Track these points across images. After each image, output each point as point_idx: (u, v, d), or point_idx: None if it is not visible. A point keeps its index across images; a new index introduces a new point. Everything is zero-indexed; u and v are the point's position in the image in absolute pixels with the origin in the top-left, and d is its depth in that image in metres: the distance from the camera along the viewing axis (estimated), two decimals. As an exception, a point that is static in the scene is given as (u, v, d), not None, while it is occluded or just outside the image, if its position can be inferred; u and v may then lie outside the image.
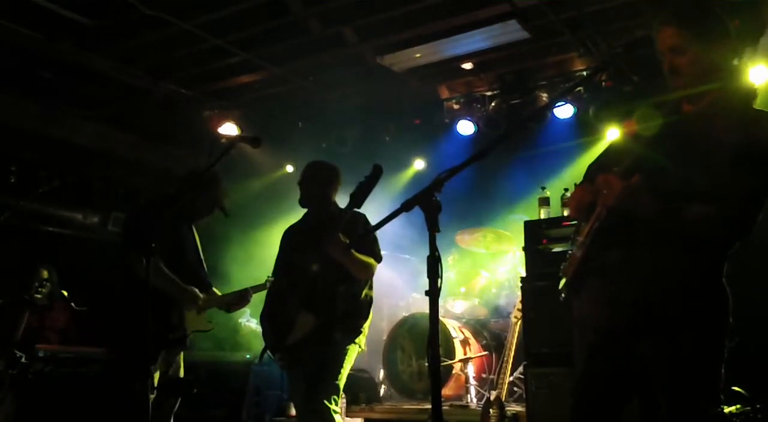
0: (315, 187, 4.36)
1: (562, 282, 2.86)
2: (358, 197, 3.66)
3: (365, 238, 4.08)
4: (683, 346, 2.46)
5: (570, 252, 2.87)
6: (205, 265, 4.54)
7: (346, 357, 4.13)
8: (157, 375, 4.13)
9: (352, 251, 3.98)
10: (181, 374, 4.36)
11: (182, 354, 4.38)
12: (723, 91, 2.57)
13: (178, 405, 4.27)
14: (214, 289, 4.56)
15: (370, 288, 4.29)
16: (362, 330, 4.20)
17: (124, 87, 7.30)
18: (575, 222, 2.96)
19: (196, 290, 4.34)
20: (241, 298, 4.63)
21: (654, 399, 2.53)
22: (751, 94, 2.61)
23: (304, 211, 4.46)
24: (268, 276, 4.77)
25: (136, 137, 8.07)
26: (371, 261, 4.14)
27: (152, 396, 3.89)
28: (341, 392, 4.20)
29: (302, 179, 4.41)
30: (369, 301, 4.28)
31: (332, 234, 3.92)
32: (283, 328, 4.10)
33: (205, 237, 4.70)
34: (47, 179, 7.46)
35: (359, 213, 4.21)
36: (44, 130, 7.32)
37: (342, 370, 4.10)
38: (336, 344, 4.08)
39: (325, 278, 4.05)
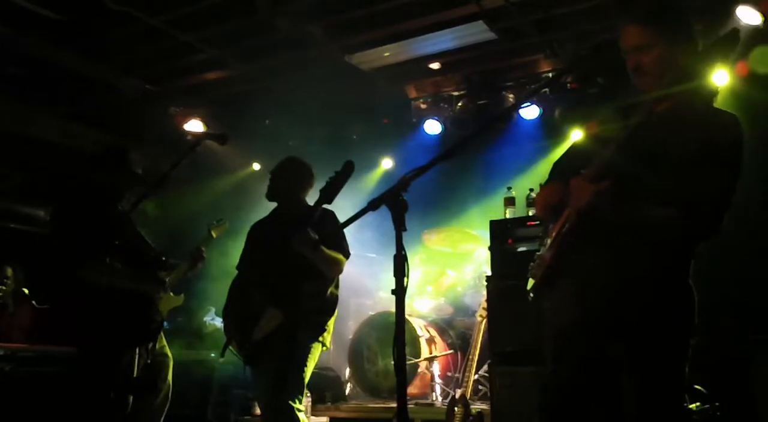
0: (285, 182, 4.35)
1: (531, 283, 2.88)
2: (329, 193, 3.65)
3: (334, 234, 4.09)
4: (650, 347, 2.50)
5: (538, 253, 2.90)
6: (149, 241, 4.44)
7: (310, 355, 4.13)
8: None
9: (322, 247, 3.99)
10: (170, 364, 4.30)
11: (165, 343, 4.33)
12: (687, 92, 2.60)
13: (168, 404, 4.23)
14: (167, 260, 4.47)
15: (336, 286, 4.30)
16: (327, 327, 4.20)
17: (90, 82, 7.21)
18: (540, 222, 2.99)
19: (156, 278, 4.24)
20: (195, 259, 4.56)
21: (620, 399, 2.57)
22: (712, 93, 2.63)
23: (272, 207, 4.43)
24: (209, 224, 4.73)
25: (101, 133, 7.95)
26: (340, 257, 4.15)
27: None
28: (306, 391, 4.19)
29: (274, 172, 4.39)
30: (334, 299, 4.29)
31: (302, 231, 3.92)
32: (248, 323, 4.09)
33: (175, 234, 4.62)
34: (8, 176, 7.34)
35: (327, 210, 4.21)
36: (8, 126, 7.19)
37: (306, 369, 4.10)
38: (300, 342, 4.08)
39: (292, 275, 4.05)
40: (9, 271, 6.26)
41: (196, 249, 4.57)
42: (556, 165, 2.99)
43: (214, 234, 4.76)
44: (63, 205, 4.28)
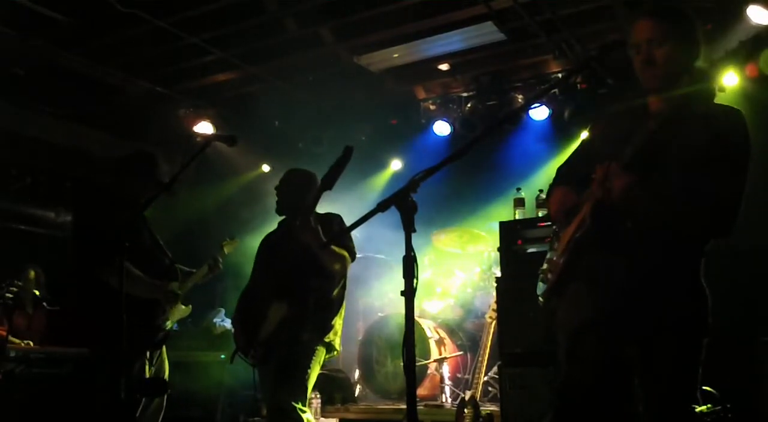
0: (290, 194, 4.35)
1: (541, 287, 2.88)
2: (329, 178, 3.66)
3: (340, 235, 4.10)
4: (664, 348, 2.50)
5: (549, 258, 2.89)
6: (167, 250, 4.45)
7: (315, 357, 4.10)
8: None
9: (323, 236, 3.98)
10: (166, 368, 4.31)
11: (165, 349, 4.33)
12: (693, 92, 2.61)
13: (164, 406, 4.23)
14: (179, 266, 4.49)
15: (343, 287, 4.29)
16: (333, 326, 4.18)
17: (97, 85, 7.23)
18: (550, 223, 2.98)
19: (171, 285, 4.27)
20: (212, 269, 4.59)
21: (633, 400, 2.56)
22: (711, 93, 2.67)
23: (279, 211, 4.43)
24: (222, 240, 4.80)
25: (109, 135, 7.99)
26: (344, 253, 4.14)
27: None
28: (312, 391, 4.18)
29: (279, 186, 4.39)
30: (340, 300, 4.27)
31: (304, 217, 3.92)
32: (256, 323, 4.11)
33: (183, 235, 4.61)
34: (19, 177, 7.38)
35: (334, 213, 4.28)
36: (16, 127, 7.22)
37: (310, 370, 4.07)
38: (304, 343, 4.06)
39: (298, 271, 4.05)
40: (31, 273, 6.29)
41: (213, 260, 4.61)
42: (564, 167, 2.99)
43: (226, 250, 4.82)
44: (87, 208, 4.28)
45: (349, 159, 3.59)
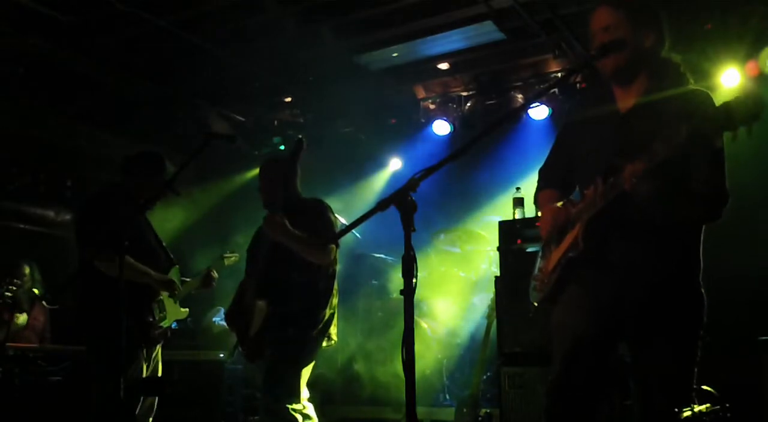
0: (267, 190, 4.27)
1: (534, 295, 2.88)
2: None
3: (318, 224, 4.08)
4: (660, 349, 2.51)
5: (540, 266, 2.89)
6: (169, 252, 4.46)
7: (306, 352, 4.06)
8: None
9: (292, 229, 3.94)
10: (159, 370, 4.31)
11: (160, 349, 4.33)
12: (659, 81, 2.63)
13: (155, 406, 4.23)
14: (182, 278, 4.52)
15: (332, 277, 4.22)
16: (323, 318, 4.11)
17: (96, 83, 7.23)
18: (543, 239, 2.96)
19: (170, 277, 4.29)
20: (205, 282, 4.60)
21: (629, 399, 2.57)
22: (683, 78, 2.66)
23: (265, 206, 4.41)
24: (222, 253, 4.83)
25: (109, 135, 7.98)
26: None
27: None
28: (312, 390, 4.15)
29: (260, 184, 4.32)
30: (329, 291, 4.18)
31: (270, 215, 3.92)
32: (245, 320, 4.09)
33: (181, 236, 4.62)
34: (18, 176, 7.38)
35: (314, 200, 4.24)
36: (16, 126, 7.22)
37: (301, 367, 4.03)
38: (292, 340, 4.02)
39: (277, 266, 4.02)
40: (26, 270, 6.29)
41: (207, 273, 4.61)
42: (546, 168, 3.01)
43: (225, 263, 4.85)
44: (91, 203, 4.28)
45: (299, 150, 3.62)
